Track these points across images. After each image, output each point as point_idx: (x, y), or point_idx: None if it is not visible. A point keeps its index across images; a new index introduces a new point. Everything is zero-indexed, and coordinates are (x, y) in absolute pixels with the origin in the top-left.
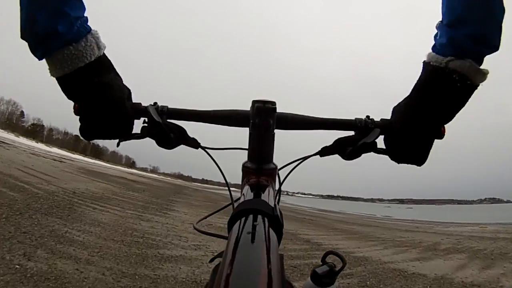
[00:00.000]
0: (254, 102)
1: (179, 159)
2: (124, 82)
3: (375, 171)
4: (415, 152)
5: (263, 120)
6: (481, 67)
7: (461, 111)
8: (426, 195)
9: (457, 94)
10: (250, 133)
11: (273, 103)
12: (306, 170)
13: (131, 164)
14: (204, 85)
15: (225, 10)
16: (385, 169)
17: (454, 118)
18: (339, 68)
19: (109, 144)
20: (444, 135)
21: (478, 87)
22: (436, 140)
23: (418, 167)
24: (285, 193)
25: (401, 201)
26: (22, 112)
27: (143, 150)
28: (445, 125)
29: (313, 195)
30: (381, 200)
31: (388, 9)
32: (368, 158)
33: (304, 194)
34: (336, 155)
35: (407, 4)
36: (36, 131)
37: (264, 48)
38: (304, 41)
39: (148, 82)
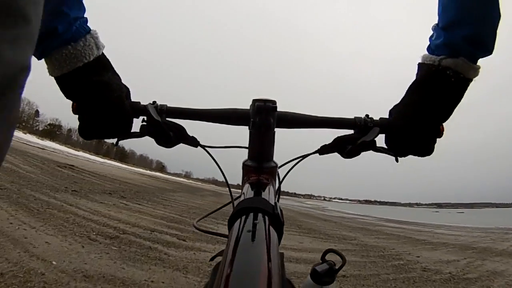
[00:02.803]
0: (254, 101)
1: (212, 166)
2: (123, 81)
3: (404, 175)
4: (416, 148)
5: (263, 119)
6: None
7: (466, 110)
8: (460, 199)
9: (452, 89)
10: (250, 132)
11: (274, 102)
12: (338, 174)
13: (161, 168)
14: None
15: (253, 16)
16: (412, 173)
17: (456, 116)
18: (372, 72)
19: (137, 148)
20: (443, 133)
21: (471, 82)
22: (452, 138)
23: (422, 157)
24: (322, 198)
25: (439, 205)
26: (37, 111)
27: (175, 156)
28: (444, 124)
29: (350, 200)
30: (418, 205)
31: (410, 5)
32: (399, 162)
33: (341, 199)
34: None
35: None
36: (53, 131)
37: (300, 57)
38: (336, 47)
39: (157, 82)
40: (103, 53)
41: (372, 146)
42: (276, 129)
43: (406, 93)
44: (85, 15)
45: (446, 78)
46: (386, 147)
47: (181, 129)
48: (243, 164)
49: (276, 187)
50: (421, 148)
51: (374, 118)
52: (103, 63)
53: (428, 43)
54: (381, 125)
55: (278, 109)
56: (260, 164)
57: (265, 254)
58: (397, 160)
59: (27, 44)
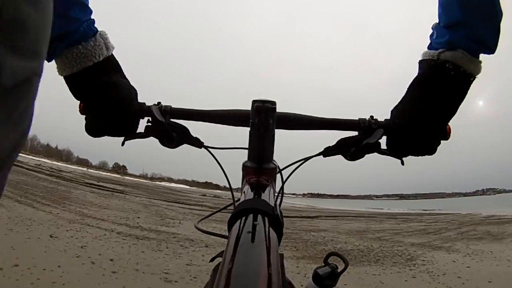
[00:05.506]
0: (254, 101)
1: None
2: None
3: (358, 169)
4: (419, 147)
5: (262, 120)
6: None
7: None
8: (423, 189)
9: (452, 83)
10: (250, 133)
11: (273, 103)
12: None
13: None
14: None
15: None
16: (366, 166)
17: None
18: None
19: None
20: (449, 135)
21: (475, 79)
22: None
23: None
24: None
25: (402, 197)
26: None
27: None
28: (450, 125)
29: (297, 194)
30: (377, 197)
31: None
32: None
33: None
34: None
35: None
36: None
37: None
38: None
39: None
40: (112, 54)
41: (376, 148)
42: (276, 130)
43: (407, 90)
44: (92, 17)
45: (446, 72)
46: (387, 148)
47: (185, 130)
48: (243, 165)
49: (278, 189)
50: (423, 147)
51: (379, 120)
52: (112, 64)
53: (429, 41)
54: (385, 127)
55: (281, 110)
56: (260, 165)
57: (265, 255)
58: (402, 163)
59: (32, 51)
